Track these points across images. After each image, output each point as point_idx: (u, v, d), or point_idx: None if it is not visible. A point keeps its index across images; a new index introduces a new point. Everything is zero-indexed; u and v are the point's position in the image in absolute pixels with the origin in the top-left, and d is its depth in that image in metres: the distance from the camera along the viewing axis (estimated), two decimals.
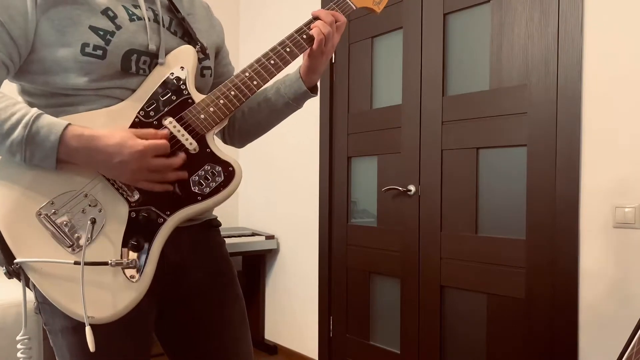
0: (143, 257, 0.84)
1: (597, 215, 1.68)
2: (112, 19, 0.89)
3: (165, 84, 0.91)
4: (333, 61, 2.67)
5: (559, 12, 1.77)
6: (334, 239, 2.66)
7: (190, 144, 0.89)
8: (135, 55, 0.89)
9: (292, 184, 2.97)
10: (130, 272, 0.83)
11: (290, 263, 2.96)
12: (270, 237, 3.02)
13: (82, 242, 0.82)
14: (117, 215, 0.85)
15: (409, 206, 2.26)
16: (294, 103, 1.07)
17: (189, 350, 1.01)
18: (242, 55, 3.44)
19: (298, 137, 2.91)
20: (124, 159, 0.82)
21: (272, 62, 0.96)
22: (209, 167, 0.89)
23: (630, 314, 1.61)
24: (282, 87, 1.07)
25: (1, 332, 1.94)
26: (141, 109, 0.89)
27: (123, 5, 0.92)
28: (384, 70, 2.44)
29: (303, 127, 2.86)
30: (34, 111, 0.81)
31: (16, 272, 0.83)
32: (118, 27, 0.88)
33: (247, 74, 0.94)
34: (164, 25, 0.95)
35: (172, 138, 0.88)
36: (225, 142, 1.20)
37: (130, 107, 0.89)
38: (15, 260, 0.80)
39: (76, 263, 0.80)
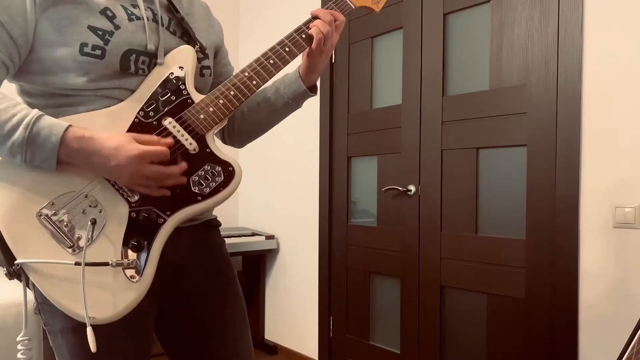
0: (143, 258, 0.84)
1: (597, 215, 1.68)
2: (111, 18, 0.89)
3: (164, 84, 0.91)
4: (333, 61, 2.67)
5: (559, 12, 1.77)
6: (334, 239, 2.66)
7: (190, 144, 0.89)
8: (134, 55, 0.89)
9: (292, 184, 2.97)
10: (130, 272, 0.83)
11: (290, 263, 2.96)
12: (270, 237, 3.02)
13: (82, 242, 0.82)
14: (117, 216, 0.85)
15: (409, 206, 2.26)
16: (293, 103, 1.07)
17: (189, 350, 1.01)
18: (242, 55, 3.44)
19: (298, 137, 2.91)
20: (120, 162, 0.82)
21: (272, 61, 0.96)
22: (208, 167, 0.89)
23: (630, 314, 1.61)
24: (282, 87, 1.07)
25: (1, 332, 1.94)
26: (140, 109, 0.89)
27: (122, 5, 0.92)
28: (384, 70, 2.43)
29: (303, 127, 2.86)
30: (35, 112, 0.81)
31: (17, 272, 0.83)
32: (117, 27, 0.88)
33: (246, 74, 0.94)
34: (162, 25, 0.95)
35: (176, 142, 0.88)
36: (224, 142, 1.20)
37: (130, 108, 0.89)
38: (15, 261, 0.80)
39: (77, 264, 0.80)
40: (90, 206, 0.84)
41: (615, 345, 1.64)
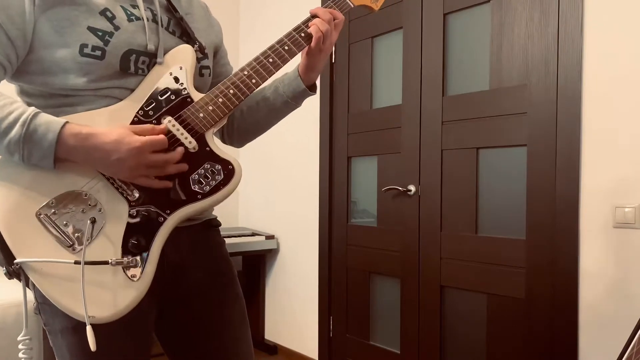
0: (143, 256, 0.84)
1: (597, 215, 1.68)
2: (111, 19, 0.89)
3: (164, 83, 0.91)
4: (333, 61, 2.67)
5: (559, 12, 1.77)
6: (334, 239, 2.66)
7: (190, 142, 0.89)
8: (134, 55, 0.90)
9: (292, 183, 2.97)
10: (130, 271, 0.83)
11: (290, 263, 2.96)
12: (270, 237, 3.02)
13: (82, 241, 0.82)
14: (117, 215, 0.85)
15: (409, 206, 2.26)
16: (292, 102, 1.07)
17: (189, 350, 1.01)
18: (242, 55, 3.44)
19: (298, 136, 2.91)
20: (121, 156, 0.81)
21: (271, 60, 0.96)
22: (208, 166, 0.89)
23: (630, 314, 1.60)
24: (281, 86, 1.07)
25: (1, 332, 1.94)
26: (140, 109, 0.89)
27: (121, 6, 0.92)
28: (384, 70, 2.44)
29: (303, 127, 2.86)
30: (32, 110, 0.81)
31: (16, 272, 0.83)
32: (116, 28, 0.88)
33: (245, 73, 0.94)
34: (162, 25, 0.95)
35: (171, 137, 0.88)
36: (224, 141, 1.20)
37: (130, 107, 0.89)
38: (15, 261, 0.80)
39: (76, 263, 0.80)
40: (89, 205, 0.84)
41: (615, 345, 1.64)
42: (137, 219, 0.85)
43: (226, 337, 1.02)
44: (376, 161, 2.45)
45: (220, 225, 1.09)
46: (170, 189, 0.87)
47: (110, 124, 0.87)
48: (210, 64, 1.04)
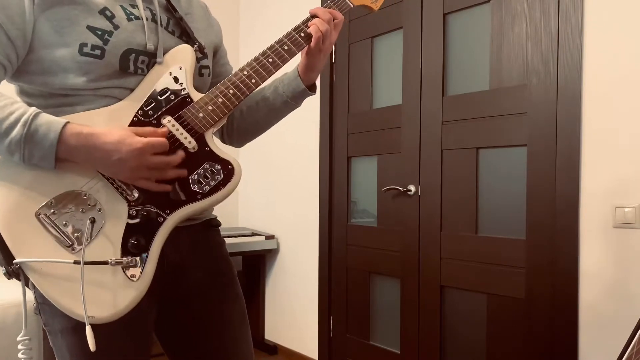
0: (143, 256, 0.84)
1: (597, 215, 1.68)
2: (110, 18, 0.89)
3: (163, 83, 0.91)
4: (333, 61, 2.67)
5: (559, 12, 1.77)
6: (334, 239, 2.66)
7: (189, 142, 0.89)
8: (133, 54, 0.90)
9: (292, 183, 2.97)
10: (130, 271, 0.83)
11: (290, 263, 2.96)
12: (270, 237, 3.01)
13: (81, 241, 0.82)
14: (116, 215, 0.85)
15: (409, 206, 2.26)
16: (292, 102, 1.07)
17: (189, 350, 1.01)
18: (242, 55, 3.44)
19: (298, 137, 2.91)
20: (122, 156, 0.81)
21: (270, 60, 0.96)
22: (208, 166, 0.89)
23: (630, 314, 1.60)
24: (281, 86, 1.07)
25: (1, 332, 1.94)
26: (140, 109, 0.89)
27: (121, 5, 0.92)
28: (384, 70, 2.43)
29: (303, 127, 2.86)
30: (33, 110, 0.81)
31: (16, 272, 0.82)
32: (116, 27, 0.88)
33: (245, 73, 0.94)
34: (161, 25, 0.95)
35: (171, 137, 0.88)
36: (224, 141, 1.20)
37: (129, 107, 0.89)
38: (14, 261, 0.80)
39: (76, 263, 0.80)
40: (89, 205, 0.84)
41: (615, 345, 1.64)
42: (137, 219, 0.85)
43: (226, 337, 1.02)
44: (376, 161, 2.45)
45: (220, 225, 1.09)
46: (171, 181, 0.87)
47: (109, 123, 0.87)
48: (209, 63, 1.04)
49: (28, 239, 0.81)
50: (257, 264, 3.13)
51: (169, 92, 0.91)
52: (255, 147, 3.25)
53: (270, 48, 0.97)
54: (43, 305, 0.88)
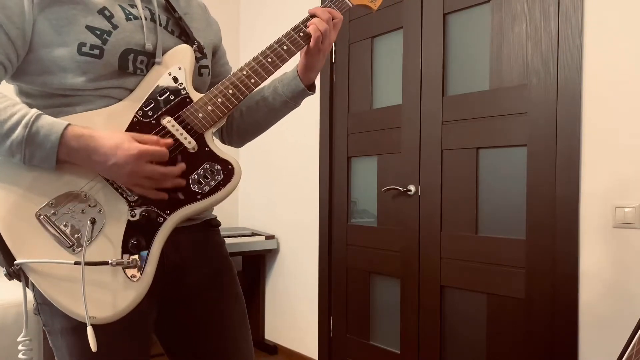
0: (143, 257, 0.84)
1: (597, 215, 1.68)
2: (109, 18, 0.89)
3: (162, 83, 0.91)
4: (333, 61, 2.67)
5: (559, 12, 1.77)
6: (334, 239, 2.66)
7: (189, 142, 0.89)
8: (132, 54, 0.90)
9: (292, 184, 2.97)
10: (130, 271, 0.83)
11: (290, 263, 2.96)
12: (270, 237, 3.01)
13: (82, 242, 0.82)
14: (116, 215, 0.85)
15: (409, 206, 2.26)
16: (291, 101, 1.07)
17: (189, 350, 1.01)
18: (242, 55, 3.44)
19: (298, 137, 2.91)
20: (118, 161, 0.81)
21: (270, 60, 0.96)
22: (208, 166, 0.89)
23: (630, 314, 1.60)
24: (280, 86, 1.07)
25: (1, 332, 1.94)
26: (139, 109, 0.89)
27: (120, 5, 0.92)
28: (384, 70, 2.43)
29: (303, 127, 2.86)
30: (34, 111, 0.81)
31: (16, 273, 0.82)
32: (115, 27, 0.88)
33: (244, 72, 0.94)
34: (160, 25, 0.95)
35: (170, 136, 0.88)
36: (223, 142, 1.20)
37: (129, 107, 0.89)
38: (15, 262, 0.80)
39: (76, 263, 0.80)
40: (89, 206, 0.84)
41: (615, 345, 1.64)
42: (137, 219, 0.85)
43: (226, 337, 1.02)
44: (376, 161, 2.45)
45: (220, 225, 1.09)
46: (169, 189, 0.87)
47: (109, 124, 0.87)
48: (209, 63, 1.04)
49: (28, 239, 0.81)
50: (257, 264, 3.13)
51: (168, 92, 0.91)
52: (255, 147, 3.25)
53: (269, 48, 0.97)
54: (43, 305, 0.89)
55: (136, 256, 0.84)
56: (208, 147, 0.90)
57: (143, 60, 0.91)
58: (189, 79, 0.93)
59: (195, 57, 0.97)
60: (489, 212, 1.99)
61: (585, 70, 1.70)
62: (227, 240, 2.24)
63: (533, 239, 1.84)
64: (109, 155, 0.81)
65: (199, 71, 1.00)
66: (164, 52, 0.94)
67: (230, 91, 0.93)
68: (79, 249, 0.82)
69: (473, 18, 2.06)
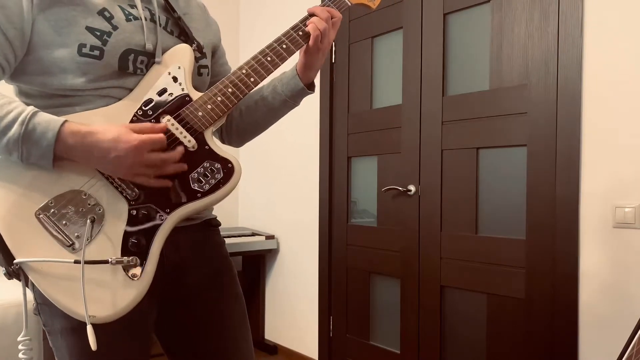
0: (143, 256, 0.84)
1: (597, 215, 1.68)
2: (109, 19, 0.89)
3: (162, 82, 0.91)
4: (333, 61, 2.67)
5: (559, 12, 1.77)
6: (334, 239, 2.66)
7: (189, 141, 0.89)
8: (132, 55, 0.90)
9: (292, 183, 2.97)
10: (130, 270, 0.83)
11: (290, 263, 2.96)
12: (270, 237, 3.01)
13: (81, 241, 0.82)
14: (116, 214, 0.85)
15: (409, 206, 2.26)
16: (291, 100, 1.07)
17: (188, 350, 1.01)
18: (242, 55, 3.44)
19: (298, 137, 2.91)
20: (119, 154, 0.81)
21: (269, 59, 0.96)
22: (207, 164, 0.89)
23: (630, 314, 1.60)
24: (279, 85, 1.07)
25: (1, 332, 1.94)
26: (139, 108, 0.89)
27: (119, 6, 0.92)
28: (384, 70, 2.44)
29: (303, 127, 2.86)
30: (30, 109, 0.81)
31: (16, 272, 0.82)
32: (115, 28, 0.88)
33: (244, 71, 0.94)
34: (160, 25, 0.95)
35: (170, 136, 0.88)
36: (223, 141, 1.20)
37: (128, 106, 0.89)
38: (15, 261, 0.80)
39: (76, 262, 0.80)
40: (89, 204, 0.84)
41: (615, 345, 1.64)
42: (137, 218, 0.85)
43: (226, 337, 1.02)
44: (376, 161, 2.45)
45: (219, 225, 1.09)
46: (169, 187, 0.87)
47: (108, 123, 0.86)
48: (208, 63, 1.04)
49: (28, 239, 0.81)
50: (257, 264, 3.13)
51: (167, 92, 0.91)
52: (255, 147, 3.25)
53: (268, 47, 0.97)
54: (43, 305, 0.88)
55: (136, 255, 0.84)
56: (208, 145, 0.90)
57: (143, 60, 0.91)
58: (189, 78, 0.93)
59: (195, 57, 0.97)
60: (489, 212, 1.99)
61: (585, 70, 1.70)
62: (227, 240, 2.24)
63: (533, 239, 1.84)
64: (109, 149, 0.81)
65: (198, 71, 1.00)
66: (164, 52, 0.94)
67: (230, 90, 0.93)
68: (79, 248, 0.81)
69: (473, 18, 2.06)
